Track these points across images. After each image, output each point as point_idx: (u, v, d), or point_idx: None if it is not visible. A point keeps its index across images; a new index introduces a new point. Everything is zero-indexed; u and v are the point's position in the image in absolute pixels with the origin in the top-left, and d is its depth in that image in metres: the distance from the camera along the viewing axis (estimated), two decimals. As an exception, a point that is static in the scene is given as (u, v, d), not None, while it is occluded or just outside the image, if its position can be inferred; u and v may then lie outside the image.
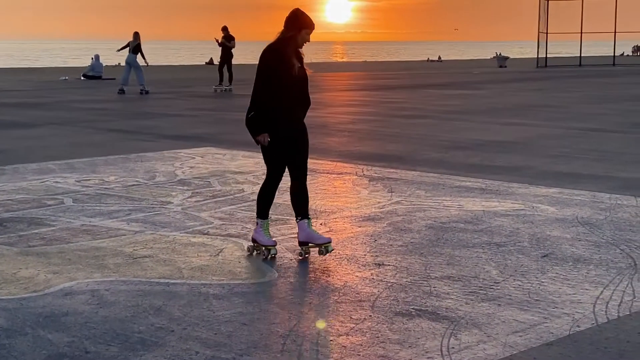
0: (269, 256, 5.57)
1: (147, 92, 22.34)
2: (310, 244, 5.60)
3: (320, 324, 4.33)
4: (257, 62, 5.55)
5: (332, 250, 5.65)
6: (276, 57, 5.45)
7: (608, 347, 4.00)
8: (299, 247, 5.64)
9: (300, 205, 5.69)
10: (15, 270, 5.22)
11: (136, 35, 23.24)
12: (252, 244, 5.73)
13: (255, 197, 7.62)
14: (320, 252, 5.59)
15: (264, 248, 5.62)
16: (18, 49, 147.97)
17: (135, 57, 23.01)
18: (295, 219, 5.75)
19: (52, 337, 4.10)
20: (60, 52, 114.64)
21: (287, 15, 5.57)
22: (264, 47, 5.60)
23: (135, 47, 23.03)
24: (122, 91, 22.50)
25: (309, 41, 5.58)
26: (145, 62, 23.47)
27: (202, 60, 63.59)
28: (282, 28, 5.52)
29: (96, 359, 3.82)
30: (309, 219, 5.66)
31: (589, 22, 47.35)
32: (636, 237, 6.20)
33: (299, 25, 5.47)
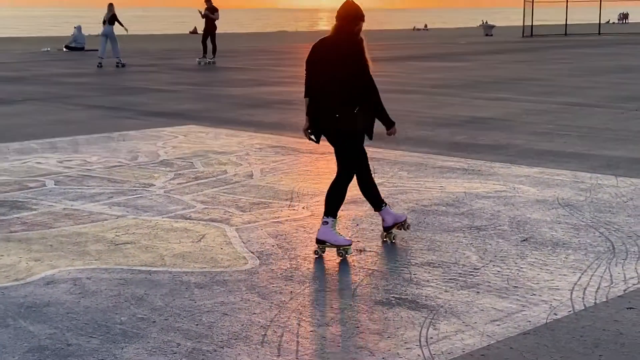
0: (345, 256, 5.28)
1: (123, 65, 22.13)
2: (327, 244, 5.33)
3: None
4: (353, 55, 5.39)
5: (409, 226, 5.78)
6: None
7: (584, 336, 4.05)
8: (316, 246, 5.38)
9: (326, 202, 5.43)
10: (-3, 258, 5.22)
11: (110, 6, 22.96)
12: (320, 246, 5.34)
13: (237, 178, 7.70)
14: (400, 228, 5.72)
15: (341, 248, 5.29)
16: (2, 16, 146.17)
17: (112, 28, 22.76)
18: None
19: (34, 328, 4.11)
20: (45, 20, 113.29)
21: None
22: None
23: (110, 17, 22.76)
24: (100, 65, 22.27)
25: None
26: (125, 29, 23.21)
27: (186, 29, 63.01)
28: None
29: (77, 352, 3.84)
30: (333, 219, 5.38)
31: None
32: (615, 219, 6.26)
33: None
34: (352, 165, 5.51)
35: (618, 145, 9.64)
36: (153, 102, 14.19)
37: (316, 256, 5.35)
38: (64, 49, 30.71)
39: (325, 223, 5.34)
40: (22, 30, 72.81)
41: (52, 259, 5.20)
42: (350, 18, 5.44)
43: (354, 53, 5.41)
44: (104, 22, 22.97)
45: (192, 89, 16.48)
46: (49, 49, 31.31)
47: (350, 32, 5.43)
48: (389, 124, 5.67)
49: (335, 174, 5.53)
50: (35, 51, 30.25)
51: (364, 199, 6.88)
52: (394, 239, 5.70)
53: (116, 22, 22.83)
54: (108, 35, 22.66)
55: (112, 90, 16.12)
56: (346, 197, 6.93)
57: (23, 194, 7.01)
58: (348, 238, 5.50)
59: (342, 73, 5.36)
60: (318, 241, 5.36)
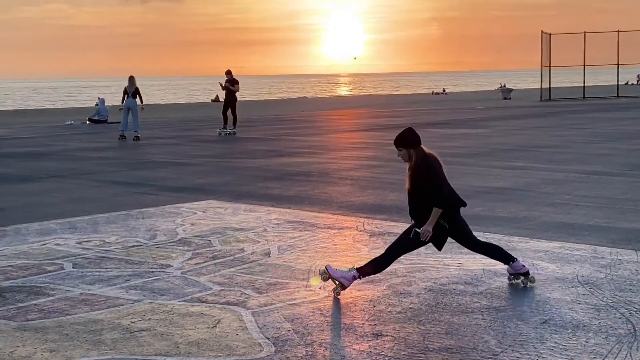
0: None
1: (138, 139, 22.38)
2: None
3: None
4: (428, 168, 6.51)
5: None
6: None
7: None
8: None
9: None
10: (12, 348, 5.22)
11: (132, 78, 23.35)
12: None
13: (254, 257, 7.71)
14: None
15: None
16: (31, 87, 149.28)
17: (136, 102, 23.11)
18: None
19: None
20: (70, 91, 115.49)
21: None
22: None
23: (134, 91, 23.13)
24: (123, 137, 22.58)
25: (402, 159, 6.73)
26: (142, 105, 23.51)
27: (208, 98, 63.93)
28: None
29: None
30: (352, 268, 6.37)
31: (593, 51, 47.49)
32: (636, 298, 6.16)
33: None
34: None
35: (636, 217, 9.56)
36: (173, 176, 14.32)
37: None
38: (87, 122, 31.20)
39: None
40: (46, 102, 74.28)
41: (68, 349, 5.19)
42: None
43: (431, 165, 6.67)
44: (125, 94, 23.34)
45: (211, 162, 16.62)
46: (72, 122, 31.82)
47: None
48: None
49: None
50: (59, 124, 30.75)
51: (381, 278, 6.87)
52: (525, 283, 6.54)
53: (138, 96, 23.21)
54: (131, 108, 23.01)
55: (133, 165, 16.29)
56: (363, 277, 6.94)
57: (41, 279, 7.04)
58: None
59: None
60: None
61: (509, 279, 6.66)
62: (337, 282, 6.35)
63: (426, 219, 6.30)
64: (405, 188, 6.56)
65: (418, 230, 6.34)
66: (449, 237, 6.49)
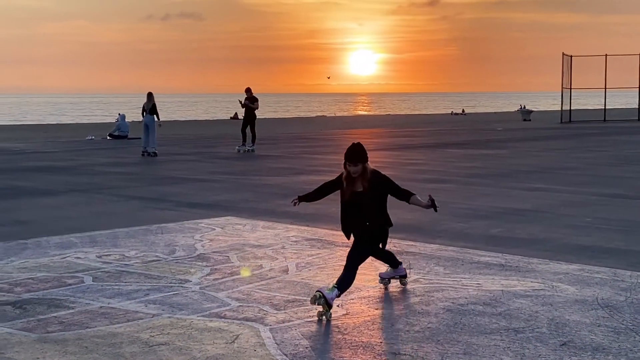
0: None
1: (155, 155, 22.54)
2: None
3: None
4: (382, 175, 6.83)
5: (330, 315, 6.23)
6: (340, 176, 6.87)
7: None
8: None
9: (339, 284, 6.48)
10: (33, 360, 5.26)
11: (150, 95, 23.51)
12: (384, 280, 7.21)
13: (272, 274, 7.73)
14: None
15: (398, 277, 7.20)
16: (52, 102, 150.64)
17: (153, 118, 23.22)
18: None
19: None
20: (90, 107, 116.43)
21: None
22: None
23: (151, 108, 23.27)
24: (145, 153, 22.79)
25: (352, 172, 6.67)
26: (159, 123, 23.61)
27: (227, 115, 64.20)
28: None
29: None
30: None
31: (614, 73, 47.34)
32: (657, 321, 6.12)
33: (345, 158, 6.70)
34: None
35: (659, 240, 9.50)
36: (192, 192, 14.39)
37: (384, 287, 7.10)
38: (108, 137, 31.45)
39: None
40: (67, 117, 74.89)
41: (87, 362, 5.22)
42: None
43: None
44: (144, 111, 23.50)
45: (230, 179, 16.69)
46: (93, 137, 32.08)
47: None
48: None
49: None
50: (80, 139, 31.00)
51: (399, 297, 6.87)
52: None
53: (156, 114, 23.32)
54: (148, 125, 23.15)
55: (152, 181, 16.39)
56: (380, 295, 6.92)
57: (61, 292, 7.09)
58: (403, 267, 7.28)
59: None
60: (382, 279, 7.25)
61: (385, 282, 7.24)
62: (327, 306, 6.18)
63: (379, 219, 6.73)
64: (343, 200, 6.80)
65: (433, 198, 6.84)
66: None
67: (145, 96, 23.69)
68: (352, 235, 6.85)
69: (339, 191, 6.89)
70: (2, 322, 6.11)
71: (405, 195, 6.83)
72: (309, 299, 6.39)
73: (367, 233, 6.73)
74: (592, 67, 47.19)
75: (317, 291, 6.24)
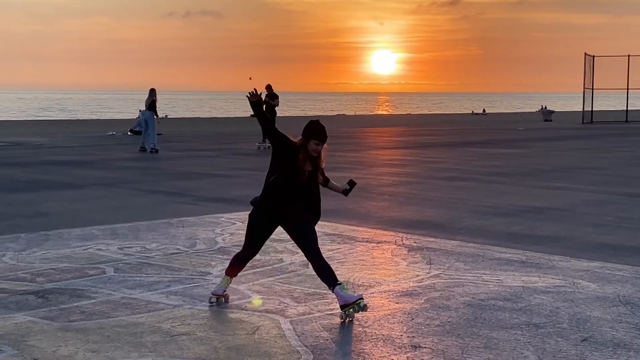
0: (360, 310, 5.93)
1: (156, 151, 22.39)
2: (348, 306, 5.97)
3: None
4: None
5: (365, 306, 5.99)
6: (294, 150, 6.21)
7: None
8: (342, 311, 6.00)
9: (323, 276, 6.14)
10: (55, 348, 5.30)
11: (151, 91, 23.34)
12: (343, 312, 5.97)
13: (293, 267, 7.74)
14: (355, 311, 5.96)
15: (355, 305, 5.92)
16: (74, 98, 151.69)
17: (152, 114, 23.11)
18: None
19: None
20: (111, 103, 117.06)
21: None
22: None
23: (150, 104, 23.16)
24: (155, 150, 22.52)
25: (313, 151, 6.23)
26: (157, 118, 23.56)
27: (248, 112, 64.28)
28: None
29: None
30: (339, 284, 6.05)
31: (637, 74, 46.94)
32: (679, 319, 6.07)
33: (307, 134, 6.23)
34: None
35: (682, 239, 9.42)
36: (212, 187, 14.44)
37: (342, 320, 5.92)
38: (129, 133, 31.60)
39: (336, 292, 6.00)
40: (89, 113, 75.42)
41: (109, 350, 5.26)
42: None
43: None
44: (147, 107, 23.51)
45: (251, 174, 16.72)
46: (114, 132, 32.26)
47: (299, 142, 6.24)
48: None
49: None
50: (102, 135, 31.18)
51: (420, 292, 6.87)
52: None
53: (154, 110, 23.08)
54: (147, 121, 23.00)
55: (173, 176, 16.47)
56: (400, 290, 6.92)
57: (83, 282, 7.14)
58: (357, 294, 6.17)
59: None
60: (342, 307, 5.95)
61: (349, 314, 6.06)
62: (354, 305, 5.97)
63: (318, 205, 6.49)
64: (293, 178, 6.25)
65: (354, 182, 6.84)
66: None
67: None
68: (272, 217, 6.30)
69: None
70: (24, 311, 6.18)
71: (326, 180, 6.60)
72: (350, 311, 5.96)
73: (309, 217, 6.34)
74: (614, 68, 46.85)
75: (360, 299, 5.95)
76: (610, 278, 7.41)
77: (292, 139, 6.29)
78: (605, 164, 19.31)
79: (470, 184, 15.02)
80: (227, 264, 7.88)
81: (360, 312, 5.99)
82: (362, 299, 6.00)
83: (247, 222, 6.59)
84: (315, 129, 6.23)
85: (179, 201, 12.62)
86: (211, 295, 6.50)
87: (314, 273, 7.51)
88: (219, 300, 6.46)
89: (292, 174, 6.21)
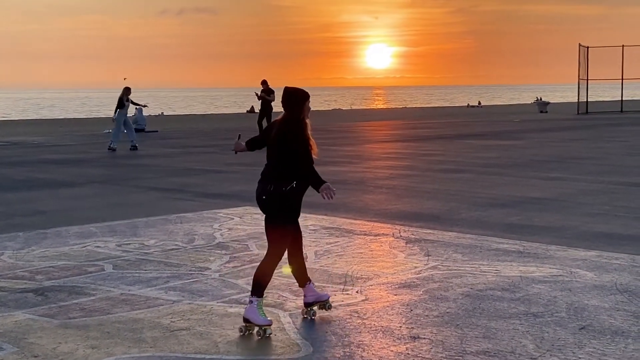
0: (265, 336, 5.43)
1: (112, 150, 22.05)
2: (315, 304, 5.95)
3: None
4: (297, 135, 5.83)
5: (330, 306, 6.03)
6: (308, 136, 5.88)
7: None
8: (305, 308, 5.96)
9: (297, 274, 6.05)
10: (55, 345, 5.32)
11: (124, 90, 22.94)
12: (244, 324, 5.53)
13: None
14: (322, 308, 6.00)
15: (258, 328, 5.47)
16: (68, 97, 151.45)
17: (120, 112, 22.73)
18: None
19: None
20: (106, 101, 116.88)
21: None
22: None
23: (118, 101, 22.88)
24: (134, 147, 22.34)
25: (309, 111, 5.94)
26: (142, 105, 24.09)
27: (243, 109, 64.36)
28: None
29: None
30: (259, 299, 5.59)
31: (631, 64, 47.01)
32: (677, 306, 6.10)
33: (299, 100, 5.83)
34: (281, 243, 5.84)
35: (678, 227, 9.46)
36: (210, 183, 14.45)
37: (241, 333, 5.51)
38: (124, 131, 31.54)
39: (250, 302, 5.56)
40: (85, 111, 75.31)
41: (109, 346, 5.28)
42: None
43: (300, 131, 5.81)
44: (136, 105, 23.76)
45: (248, 170, 16.71)
46: (110, 130, 32.22)
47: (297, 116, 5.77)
48: (318, 184, 5.85)
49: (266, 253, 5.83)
50: (97, 133, 31.16)
51: (418, 283, 6.89)
52: (313, 315, 5.93)
53: (124, 107, 22.81)
54: (117, 119, 22.73)
55: (170, 172, 16.47)
56: (399, 282, 6.94)
57: (82, 279, 7.16)
58: (269, 319, 5.57)
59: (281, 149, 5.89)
60: (244, 319, 5.55)
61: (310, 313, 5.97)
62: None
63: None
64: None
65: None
66: None
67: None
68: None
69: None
70: (24, 309, 6.19)
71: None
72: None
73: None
74: (609, 59, 46.88)
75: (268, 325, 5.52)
76: (607, 267, 7.45)
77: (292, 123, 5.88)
78: (601, 153, 19.35)
79: (467, 175, 15.05)
80: (225, 259, 7.93)
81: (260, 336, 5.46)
82: (270, 325, 5.48)
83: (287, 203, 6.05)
84: (300, 91, 5.83)
85: (177, 197, 12.63)
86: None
87: (312, 267, 7.56)
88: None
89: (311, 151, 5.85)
